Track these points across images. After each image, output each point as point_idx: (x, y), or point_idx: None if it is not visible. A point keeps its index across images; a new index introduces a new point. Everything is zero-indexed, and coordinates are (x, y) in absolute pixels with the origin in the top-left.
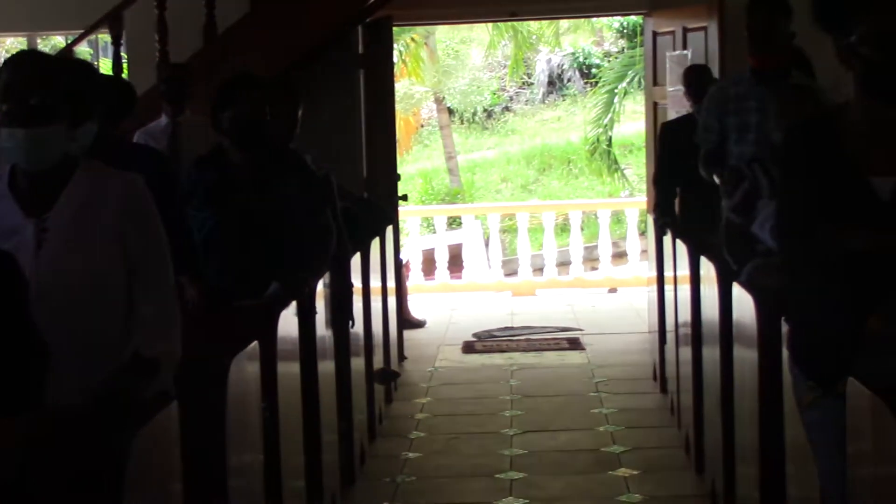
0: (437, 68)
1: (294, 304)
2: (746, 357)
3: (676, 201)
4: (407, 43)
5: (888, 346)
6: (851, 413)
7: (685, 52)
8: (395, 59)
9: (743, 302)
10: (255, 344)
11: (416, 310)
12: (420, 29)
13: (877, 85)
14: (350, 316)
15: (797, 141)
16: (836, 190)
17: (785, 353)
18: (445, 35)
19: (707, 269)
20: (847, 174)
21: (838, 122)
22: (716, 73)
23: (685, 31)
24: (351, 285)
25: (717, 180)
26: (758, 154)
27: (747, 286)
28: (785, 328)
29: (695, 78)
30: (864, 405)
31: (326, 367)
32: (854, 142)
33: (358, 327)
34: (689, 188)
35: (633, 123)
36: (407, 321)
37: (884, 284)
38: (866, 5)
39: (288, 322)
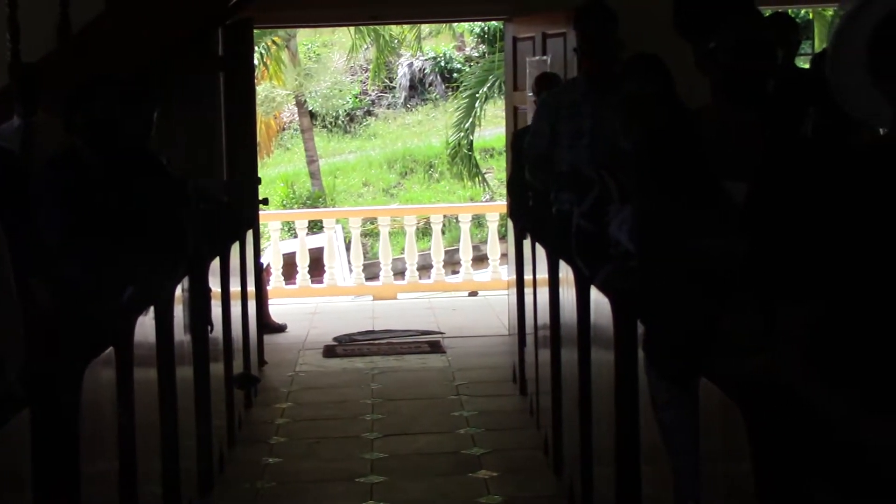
0: (299, 71)
1: (151, 308)
2: (604, 358)
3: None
4: (268, 45)
5: (737, 346)
6: (703, 412)
7: (545, 57)
8: (255, 62)
9: (600, 304)
10: (111, 349)
11: (276, 314)
12: (281, 31)
13: (734, 91)
14: (208, 321)
15: (654, 145)
16: (691, 193)
17: (641, 354)
18: (307, 38)
19: (566, 272)
20: (702, 178)
21: (694, 127)
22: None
23: (545, 36)
24: (209, 289)
25: (542, 184)
26: (595, 159)
27: (604, 289)
28: (641, 330)
29: (544, 85)
30: (715, 404)
31: (185, 372)
32: (709, 146)
33: (217, 332)
34: (544, 192)
35: (494, 128)
36: (267, 325)
37: (734, 286)
38: (724, 14)
39: (145, 326)
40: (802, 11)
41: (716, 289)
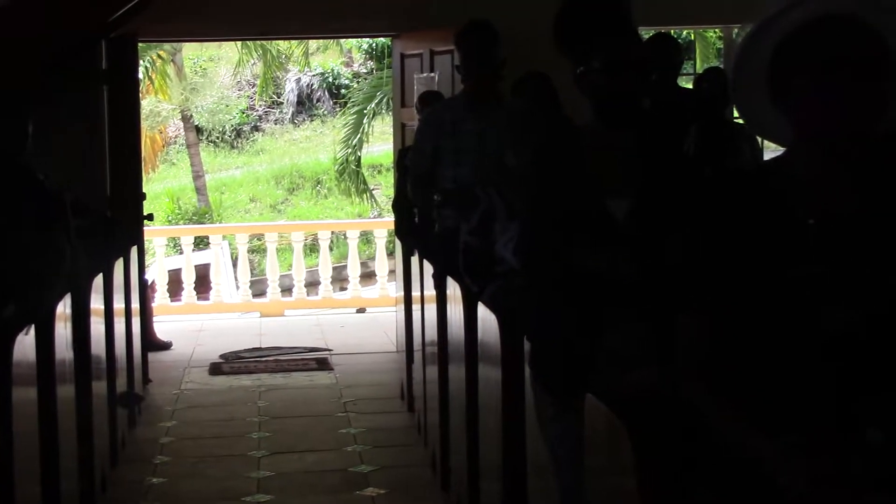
0: (185, 86)
1: (31, 326)
2: (491, 375)
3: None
4: (153, 59)
5: (620, 362)
6: (589, 427)
7: (432, 74)
8: (140, 76)
9: (487, 321)
10: None
11: (161, 331)
12: (167, 45)
13: (607, 110)
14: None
15: (538, 163)
16: (574, 211)
17: (527, 370)
18: (193, 52)
19: (453, 289)
20: (585, 196)
21: (577, 146)
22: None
23: (432, 53)
24: (89, 306)
25: (423, 202)
26: (479, 177)
27: (491, 306)
28: (527, 346)
29: (427, 103)
30: (600, 419)
31: (66, 391)
32: (591, 165)
33: (100, 349)
34: (430, 210)
35: (382, 144)
36: (152, 343)
37: (618, 303)
38: (598, 35)
39: (24, 345)
40: (685, 32)
41: (600, 305)
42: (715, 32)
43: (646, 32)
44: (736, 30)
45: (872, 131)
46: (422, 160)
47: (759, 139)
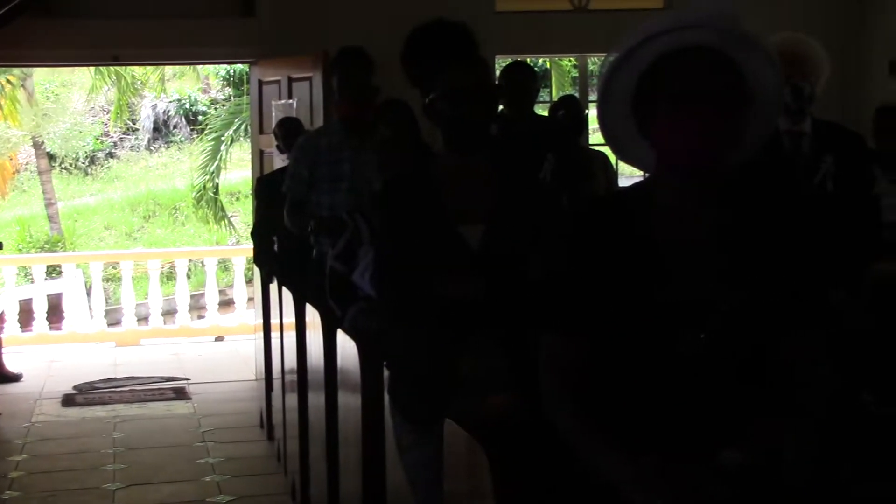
0: (36, 111)
1: None
2: (351, 402)
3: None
4: (2, 84)
5: (477, 387)
6: (448, 453)
7: (290, 101)
8: None
9: (347, 348)
10: None
11: (11, 363)
12: (16, 70)
13: (454, 137)
14: None
15: (392, 191)
16: (428, 238)
17: (386, 397)
18: (44, 78)
19: (313, 316)
20: (438, 223)
21: (429, 172)
22: (321, 122)
23: (290, 80)
24: None
25: (299, 229)
26: (353, 203)
27: (350, 332)
28: (386, 374)
29: (286, 130)
30: (460, 445)
31: None
32: (443, 192)
33: None
34: (289, 238)
35: (239, 171)
36: (1, 375)
37: (472, 328)
38: (442, 64)
39: None
40: (541, 61)
41: (456, 330)
42: (570, 61)
43: (503, 60)
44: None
45: (728, 160)
46: (298, 186)
47: (615, 165)
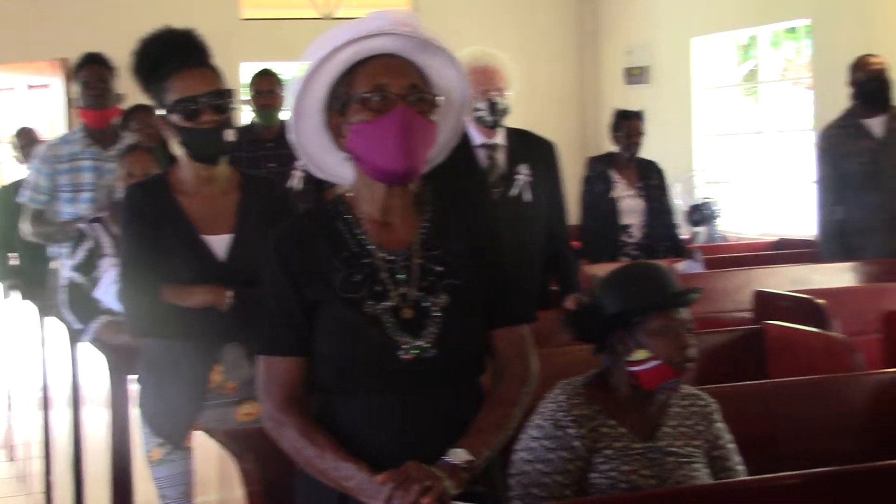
0: None
1: None
2: (98, 417)
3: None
4: None
5: (229, 398)
6: (199, 465)
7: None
8: None
9: (93, 362)
10: None
11: None
12: None
13: (191, 147)
14: None
15: (133, 200)
16: (172, 248)
17: (136, 411)
18: None
19: (57, 330)
20: (182, 233)
21: (170, 182)
22: (63, 129)
23: (29, 87)
24: None
25: (44, 239)
26: (94, 212)
27: (96, 346)
28: (135, 388)
29: (23, 139)
30: (210, 456)
31: None
32: (186, 201)
33: None
34: (29, 249)
35: None
36: None
37: (224, 338)
38: (171, 74)
39: None
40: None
41: (206, 341)
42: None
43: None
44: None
45: (423, 164)
46: (38, 196)
47: None
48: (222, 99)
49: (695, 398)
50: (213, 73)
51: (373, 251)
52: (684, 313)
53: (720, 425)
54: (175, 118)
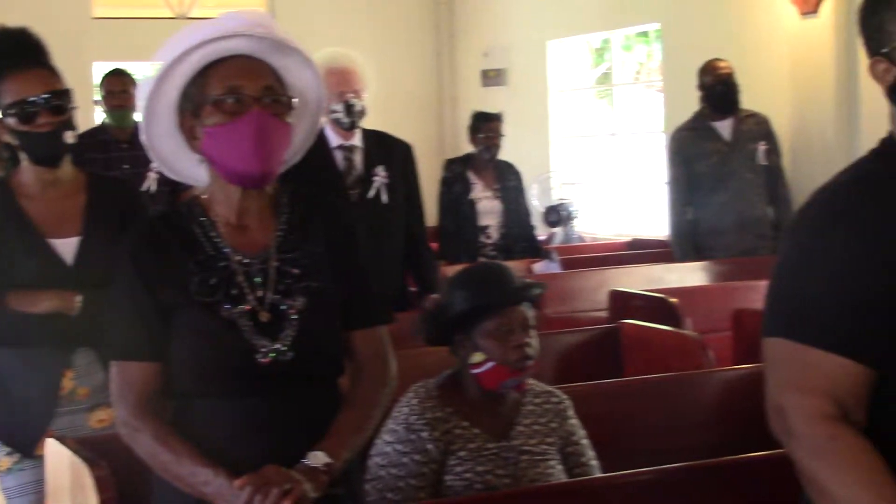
0: None
1: None
2: None
3: None
4: None
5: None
6: (51, 473)
7: None
8: None
9: None
10: None
11: None
12: None
13: (30, 151)
14: None
15: None
16: (18, 253)
17: None
18: None
19: None
20: (26, 237)
21: (11, 186)
22: None
23: None
24: None
25: None
26: None
27: None
28: None
29: None
30: (62, 464)
31: None
32: (30, 205)
33: None
34: None
35: None
36: None
37: (74, 343)
38: (5, 77)
39: None
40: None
41: (57, 347)
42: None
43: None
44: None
45: (279, 165)
46: None
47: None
48: (60, 100)
49: (548, 395)
50: (49, 73)
51: (229, 254)
52: (522, 312)
53: (574, 422)
54: (11, 122)
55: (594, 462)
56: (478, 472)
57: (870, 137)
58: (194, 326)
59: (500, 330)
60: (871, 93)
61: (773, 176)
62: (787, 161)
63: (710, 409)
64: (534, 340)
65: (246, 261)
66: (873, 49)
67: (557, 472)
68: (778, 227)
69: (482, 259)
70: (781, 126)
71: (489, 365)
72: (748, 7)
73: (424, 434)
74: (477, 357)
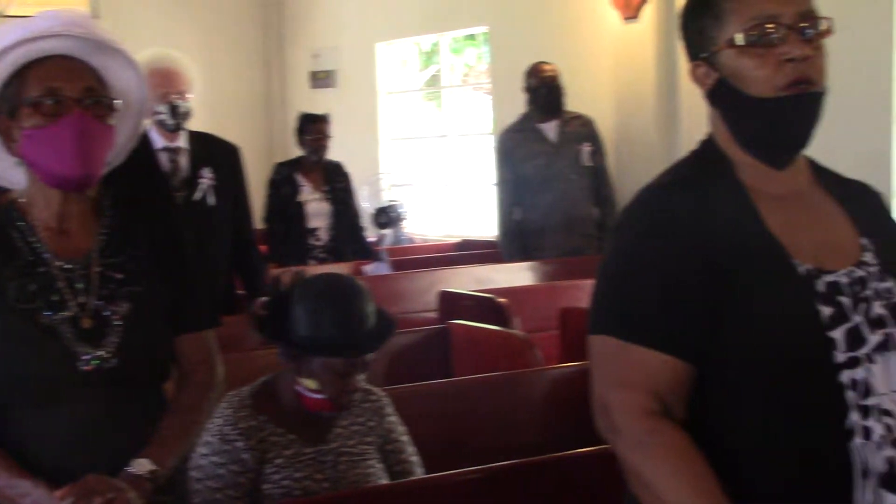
0: None
1: None
2: None
3: None
4: None
5: None
6: None
7: None
8: None
9: None
10: None
11: None
12: None
13: None
14: None
15: None
16: None
17: None
18: None
19: None
20: None
21: None
22: None
23: None
24: None
25: None
26: None
27: None
28: None
29: None
30: None
31: None
32: None
33: None
34: None
35: None
36: None
37: None
38: None
39: None
40: None
41: None
42: None
43: None
44: None
45: (101, 168)
46: None
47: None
48: None
49: (366, 394)
50: None
51: (49, 259)
52: (364, 357)
53: (393, 419)
54: None
55: (414, 458)
56: (296, 479)
57: (690, 138)
58: (11, 335)
59: (341, 370)
60: (691, 95)
61: (598, 176)
62: (611, 162)
63: (538, 406)
64: (362, 379)
65: (67, 266)
66: (693, 53)
67: (377, 472)
68: (603, 227)
69: (312, 261)
70: (606, 127)
71: (318, 395)
72: (573, 11)
73: (239, 444)
74: (309, 384)
